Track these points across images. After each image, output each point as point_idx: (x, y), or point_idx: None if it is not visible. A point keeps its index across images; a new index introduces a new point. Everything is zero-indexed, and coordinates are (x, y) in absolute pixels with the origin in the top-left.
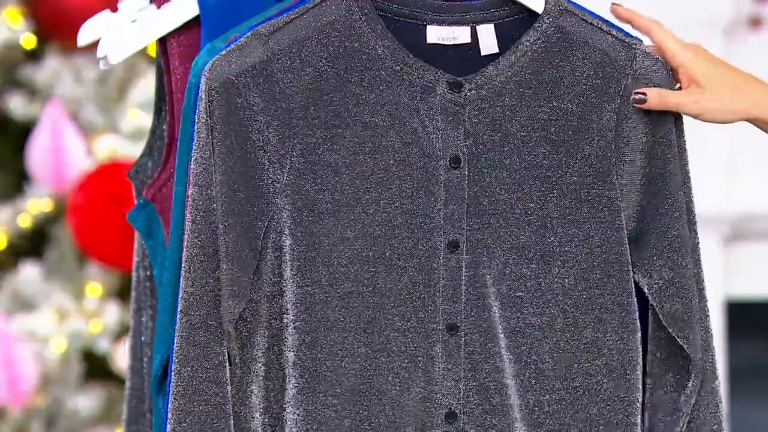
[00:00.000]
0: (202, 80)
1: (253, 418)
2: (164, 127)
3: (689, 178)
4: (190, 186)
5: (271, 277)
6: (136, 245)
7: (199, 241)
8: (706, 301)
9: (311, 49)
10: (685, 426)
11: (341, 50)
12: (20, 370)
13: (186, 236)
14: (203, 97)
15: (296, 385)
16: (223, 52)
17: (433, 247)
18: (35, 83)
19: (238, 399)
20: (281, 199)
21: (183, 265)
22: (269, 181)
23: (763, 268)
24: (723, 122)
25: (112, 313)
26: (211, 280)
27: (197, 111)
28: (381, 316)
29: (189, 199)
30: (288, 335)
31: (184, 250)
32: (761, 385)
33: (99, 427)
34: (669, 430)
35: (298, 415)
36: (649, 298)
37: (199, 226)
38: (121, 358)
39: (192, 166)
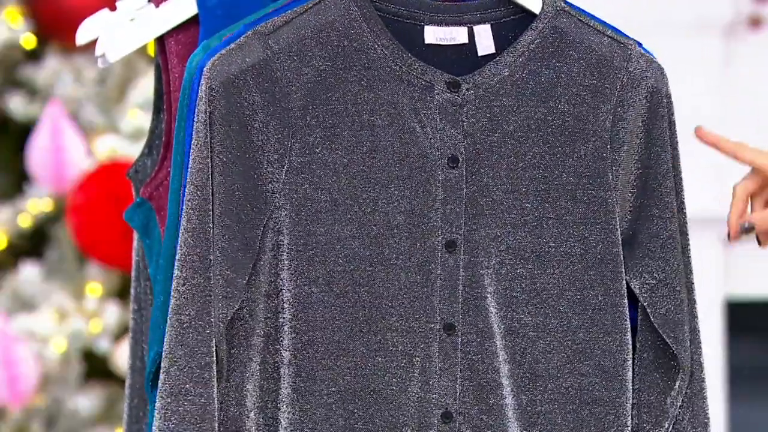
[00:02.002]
0: (202, 80)
1: (248, 417)
2: (162, 126)
3: (681, 179)
4: (187, 185)
5: (269, 276)
6: (135, 244)
7: (193, 240)
8: (695, 302)
9: (311, 48)
10: (671, 427)
11: (340, 50)
12: (20, 370)
13: (180, 235)
14: (203, 96)
15: (292, 384)
16: (223, 51)
17: (430, 247)
18: (35, 83)
19: (234, 398)
20: (279, 197)
21: (176, 264)
22: (268, 181)
23: (763, 268)
24: None
25: (112, 313)
26: (203, 281)
27: (196, 111)
28: (378, 316)
29: (185, 199)
30: (284, 334)
31: (177, 249)
32: (761, 385)
33: (99, 427)
34: (654, 431)
35: (294, 414)
36: (640, 299)
37: (194, 226)
38: (121, 358)
39: (189, 166)
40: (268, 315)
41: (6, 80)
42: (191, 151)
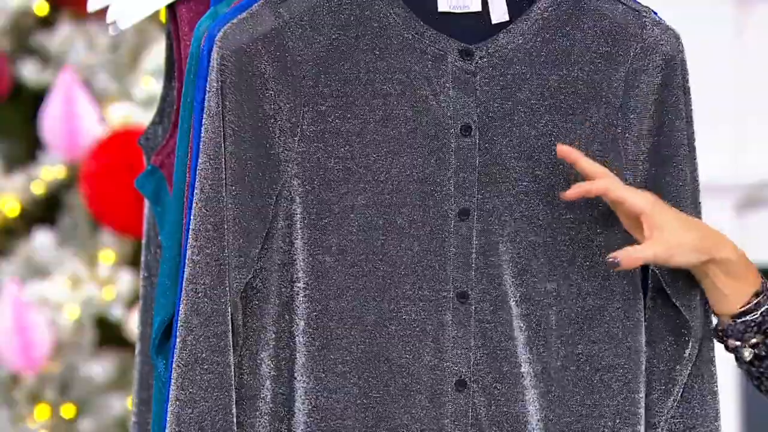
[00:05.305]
0: (214, 50)
1: (263, 386)
2: (174, 93)
3: (695, 148)
4: (200, 155)
5: (282, 245)
6: (146, 211)
7: (207, 210)
8: None
9: (322, 17)
10: (679, 395)
11: (352, 18)
12: (34, 336)
13: (194, 205)
14: (214, 66)
15: (307, 353)
16: (234, 21)
17: (443, 215)
18: (48, 50)
19: (248, 368)
20: (292, 167)
21: (190, 233)
22: (280, 149)
23: None
24: (688, 264)
25: (126, 280)
26: (217, 250)
27: (208, 80)
28: (391, 284)
29: (197, 168)
30: (299, 303)
31: (192, 219)
32: None
33: (112, 394)
34: (663, 398)
35: (309, 383)
36: (651, 266)
37: (207, 195)
38: (134, 325)
39: (201, 135)
40: (282, 284)
41: (19, 47)
42: (203, 121)
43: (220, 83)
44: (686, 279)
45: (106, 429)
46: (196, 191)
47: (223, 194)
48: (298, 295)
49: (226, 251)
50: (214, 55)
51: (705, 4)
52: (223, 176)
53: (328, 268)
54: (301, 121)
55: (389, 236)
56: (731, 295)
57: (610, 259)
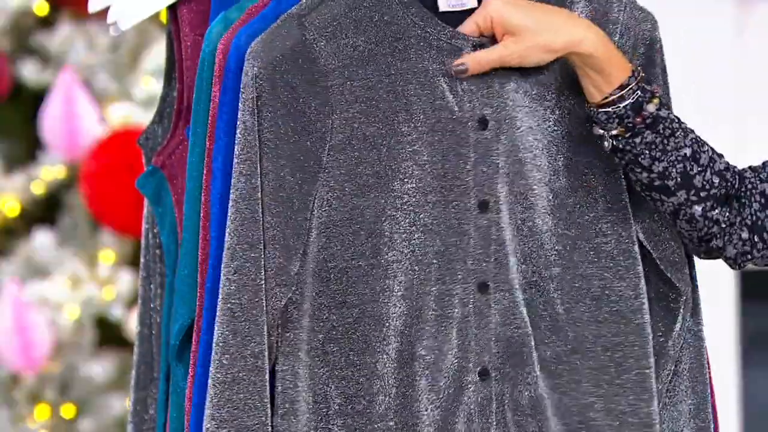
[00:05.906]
0: (246, 66)
1: (301, 396)
2: (174, 94)
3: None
4: (234, 174)
5: (316, 254)
6: (145, 212)
7: (243, 229)
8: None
9: (345, 25)
10: (672, 368)
11: (372, 24)
12: (34, 336)
13: (228, 224)
14: (248, 84)
15: (345, 357)
16: (263, 36)
17: (464, 209)
18: (48, 50)
19: (282, 379)
20: (324, 176)
21: (224, 253)
22: (312, 162)
23: None
24: (542, 62)
25: (126, 280)
26: (254, 270)
27: (241, 98)
28: (423, 282)
29: (232, 187)
30: (334, 311)
31: (226, 238)
32: None
33: (112, 394)
34: (658, 371)
35: (348, 388)
36: (644, 243)
37: (243, 215)
38: (134, 325)
39: (235, 153)
40: (315, 294)
41: (19, 47)
42: (237, 140)
43: (254, 101)
44: (678, 252)
45: (106, 429)
46: (230, 211)
47: (259, 213)
48: (333, 301)
49: (262, 271)
50: (247, 72)
51: (705, 4)
52: (259, 195)
53: (363, 272)
54: (330, 130)
55: (416, 235)
56: (597, 86)
57: (456, 68)
